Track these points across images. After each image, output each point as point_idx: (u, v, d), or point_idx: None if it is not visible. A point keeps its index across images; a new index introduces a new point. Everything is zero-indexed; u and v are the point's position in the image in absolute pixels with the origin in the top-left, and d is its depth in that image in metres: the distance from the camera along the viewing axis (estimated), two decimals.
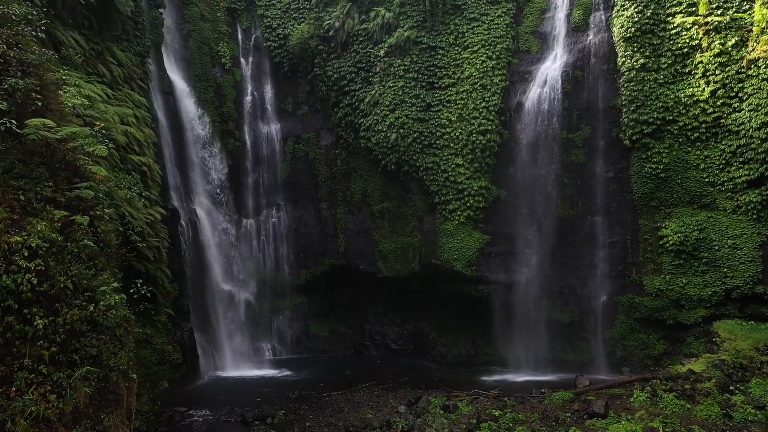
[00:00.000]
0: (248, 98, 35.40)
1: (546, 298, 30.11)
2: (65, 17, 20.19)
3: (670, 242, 26.86)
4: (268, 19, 35.29)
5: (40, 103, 11.60)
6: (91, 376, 10.51)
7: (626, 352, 28.42)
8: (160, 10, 30.48)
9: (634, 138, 27.57)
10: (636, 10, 27.44)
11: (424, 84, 31.54)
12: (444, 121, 30.92)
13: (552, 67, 29.82)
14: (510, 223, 30.46)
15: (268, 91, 35.89)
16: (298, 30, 34.29)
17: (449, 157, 30.71)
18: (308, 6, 34.78)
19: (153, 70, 28.98)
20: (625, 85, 27.67)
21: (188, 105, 31.21)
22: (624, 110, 27.79)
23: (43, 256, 10.39)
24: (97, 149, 11.43)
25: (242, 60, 35.54)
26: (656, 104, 27.08)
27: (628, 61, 27.59)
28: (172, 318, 25.40)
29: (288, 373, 29.66)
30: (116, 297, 11.13)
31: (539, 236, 29.97)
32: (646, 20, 27.26)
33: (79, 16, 20.96)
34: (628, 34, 27.49)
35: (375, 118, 31.96)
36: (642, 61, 27.24)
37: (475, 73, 30.57)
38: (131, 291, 15.03)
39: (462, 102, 30.72)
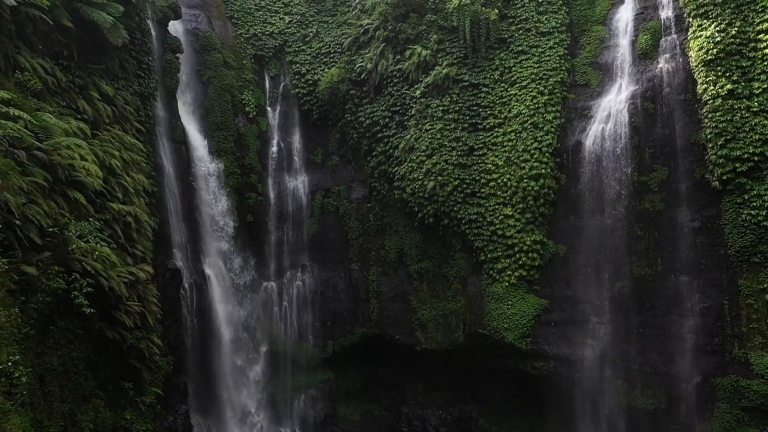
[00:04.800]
0: (274, 149, 32.32)
1: (621, 378, 24.94)
2: (35, 42, 17.54)
3: None
4: (298, 65, 32.68)
5: None
6: None
7: None
8: (177, 54, 28.24)
9: (725, 178, 22.72)
10: (717, 29, 23.29)
11: (465, 125, 27.75)
12: (489, 165, 26.87)
13: (616, 100, 25.59)
14: (572, 285, 25.85)
15: (296, 141, 32.77)
16: (328, 74, 31.46)
17: (496, 207, 26.42)
18: (339, 50, 32.16)
19: (163, 116, 26.50)
20: (710, 116, 23.12)
21: (202, 155, 28.29)
22: (710, 146, 23.22)
23: None
24: None
25: (269, 108, 32.75)
26: (751, 137, 22.45)
27: (712, 87, 23.21)
28: (162, 398, 21.31)
29: None
30: None
31: (609, 301, 25.14)
32: (731, 40, 23.04)
33: (54, 44, 18.39)
34: (710, 57, 23.34)
35: (410, 165, 28.11)
36: (729, 86, 22.84)
37: (524, 111, 26.60)
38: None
39: (510, 144, 26.65)
